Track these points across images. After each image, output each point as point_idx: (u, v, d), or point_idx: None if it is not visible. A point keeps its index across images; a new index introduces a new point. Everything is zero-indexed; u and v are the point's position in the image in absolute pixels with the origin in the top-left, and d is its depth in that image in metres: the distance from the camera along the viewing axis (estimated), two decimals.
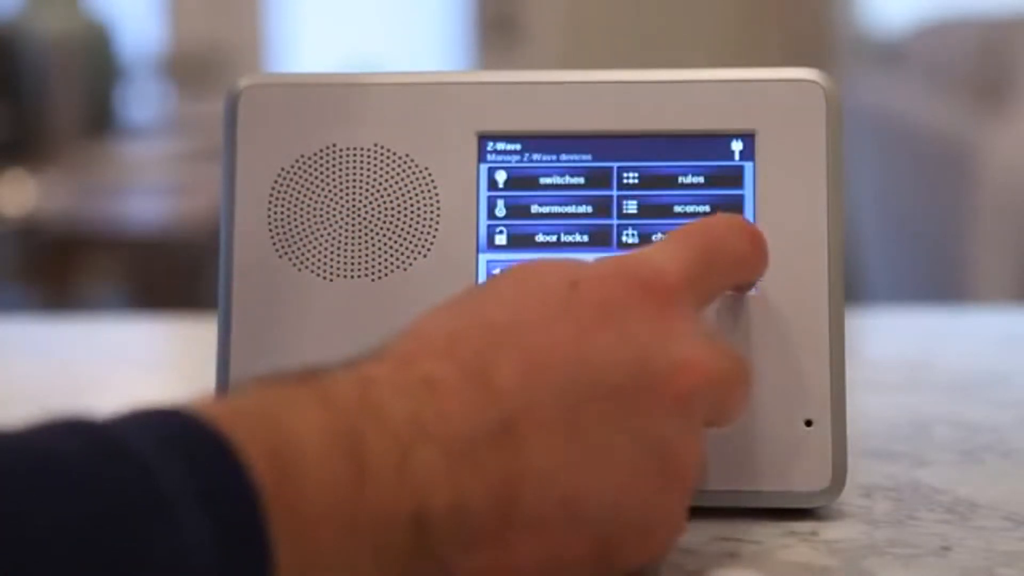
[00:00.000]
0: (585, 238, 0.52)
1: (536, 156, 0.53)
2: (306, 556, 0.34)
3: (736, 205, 0.52)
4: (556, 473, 0.38)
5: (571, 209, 0.52)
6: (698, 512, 0.50)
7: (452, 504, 0.36)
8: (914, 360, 0.84)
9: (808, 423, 0.50)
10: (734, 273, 0.47)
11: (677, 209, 0.52)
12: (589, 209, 0.52)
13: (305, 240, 0.52)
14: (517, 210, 0.52)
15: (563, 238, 0.52)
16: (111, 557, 0.30)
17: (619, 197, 0.52)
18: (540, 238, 0.52)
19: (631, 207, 0.52)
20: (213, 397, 0.36)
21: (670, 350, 0.40)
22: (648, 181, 0.52)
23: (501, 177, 0.52)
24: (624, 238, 0.52)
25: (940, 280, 2.43)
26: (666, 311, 0.41)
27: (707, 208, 0.52)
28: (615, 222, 0.52)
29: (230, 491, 0.33)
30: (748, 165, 0.52)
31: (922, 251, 2.56)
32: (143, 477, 0.32)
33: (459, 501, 0.37)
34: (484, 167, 0.52)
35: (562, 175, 0.52)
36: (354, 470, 0.35)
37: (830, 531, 0.49)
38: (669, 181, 0.52)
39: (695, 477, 0.41)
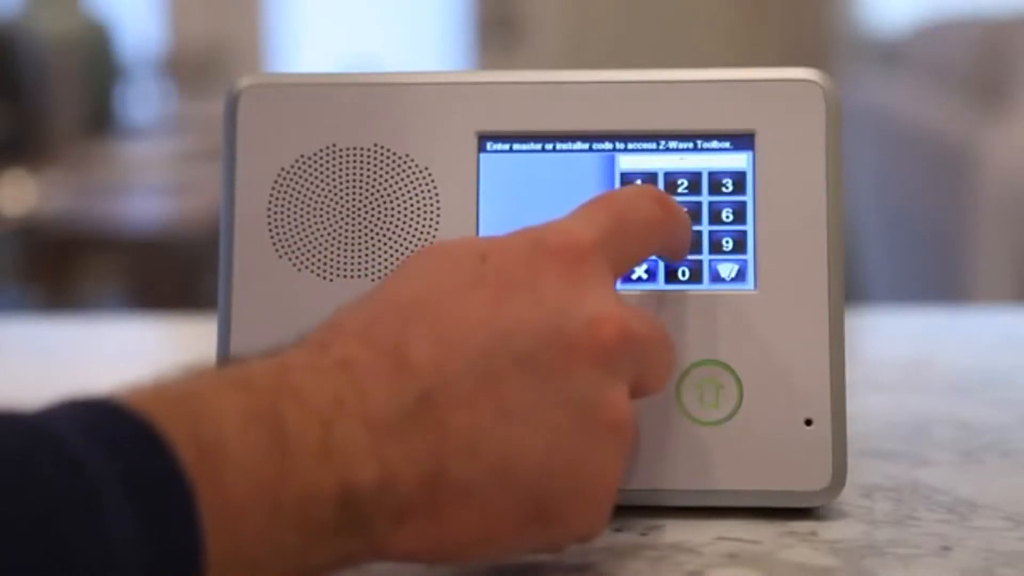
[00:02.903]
0: None
1: (536, 156, 0.53)
2: (233, 539, 0.34)
3: (736, 205, 0.52)
4: (480, 442, 0.38)
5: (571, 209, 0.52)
6: (698, 512, 0.50)
7: (379, 479, 0.37)
8: (914, 360, 0.84)
9: (808, 423, 0.50)
10: (648, 237, 0.47)
11: None
12: None
13: (305, 240, 0.52)
14: (517, 210, 0.52)
15: None
16: (37, 548, 0.30)
17: None
18: None
19: None
20: (138, 385, 0.36)
21: (584, 309, 0.41)
22: (648, 181, 0.52)
23: (501, 177, 0.52)
24: None
25: (940, 280, 2.43)
26: (577, 273, 0.41)
27: (707, 208, 0.52)
28: None
29: (157, 478, 0.33)
30: (748, 165, 0.52)
31: (922, 251, 2.56)
32: (69, 468, 0.32)
33: (386, 476, 0.37)
34: (484, 167, 0.52)
35: (562, 175, 0.52)
36: (277, 451, 0.35)
37: (830, 531, 0.49)
38: (669, 180, 0.52)
39: (626, 431, 0.41)
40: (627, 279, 0.51)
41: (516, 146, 0.53)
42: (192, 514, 0.33)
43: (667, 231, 0.47)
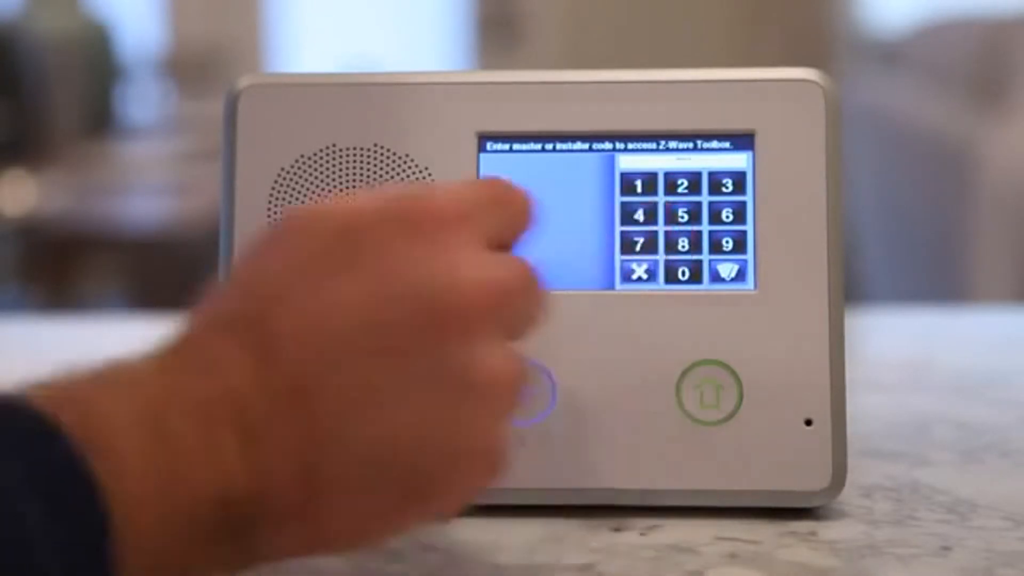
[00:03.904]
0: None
1: (536, 156, 0.53)
2: (123, 541, 0.34)
3: (736, 205, 0.52)
4: (353, 430, 0.38)
5: (571, 209, 0.52)
6: (698, 512, 0.50)
7: (251, 486, 0.36)
8: (914, 360, 0.84)
9: (808, 423, 0.50)
10: (520, 216, 0.45)
11: (677, 208, 0.52)
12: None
13: None
14: None
15: None
16: None
17: (619, 197, 0.52)
18: None
19: (631, 206, 0.52)
20: (38, 385, 0.36)
21: (447, 280, 0.40)
22: (648, 181, 0.52)
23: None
24: (624, 234, 0.52)
25: (940, 280, 2.42)
26: (438, 243, 0.40)
27: (707, 208, 0.52)
28: (615, 219, 0.52)
29: (61, 473, 0.33)
30: (748, 165, 0.52)
31: (922, 251, 2.56)
32: None
33: (258, 482, 0.36)
34: (484, 167, 0.52)
35: (562, 175, 0.52)
36: (164, 454, 0.35)
37: (830, 531, 0.49)
38: (669, 180, 0.52)
39: (508, 392, 0.40)
40: (627, 279, 0.51)
41: (516, 146, 0.53)
42: (103, 520, 0.33)
43: (524, 220, 0.45)
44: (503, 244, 0.44)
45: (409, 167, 0.52)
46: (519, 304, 0.42)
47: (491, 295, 0.40)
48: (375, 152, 0.53)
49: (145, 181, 3.18)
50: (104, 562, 0.33)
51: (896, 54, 3.01)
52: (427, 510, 0.40)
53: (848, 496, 0.52)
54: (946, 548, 0.48)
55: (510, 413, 0.41)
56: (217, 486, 0.36)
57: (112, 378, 0.36)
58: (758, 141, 0.52)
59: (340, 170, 0.52)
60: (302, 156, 0.53)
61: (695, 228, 0.52)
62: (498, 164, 0.52)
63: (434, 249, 0.40)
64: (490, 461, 0.41)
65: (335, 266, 0.39)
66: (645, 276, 0.52)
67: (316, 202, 0.43)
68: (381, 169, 0.52)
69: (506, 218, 0.44)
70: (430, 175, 0.52)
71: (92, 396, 0.35)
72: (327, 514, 0.38)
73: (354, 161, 0.53)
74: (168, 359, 0.38)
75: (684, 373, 0.51)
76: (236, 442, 0.36)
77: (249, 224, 0.52)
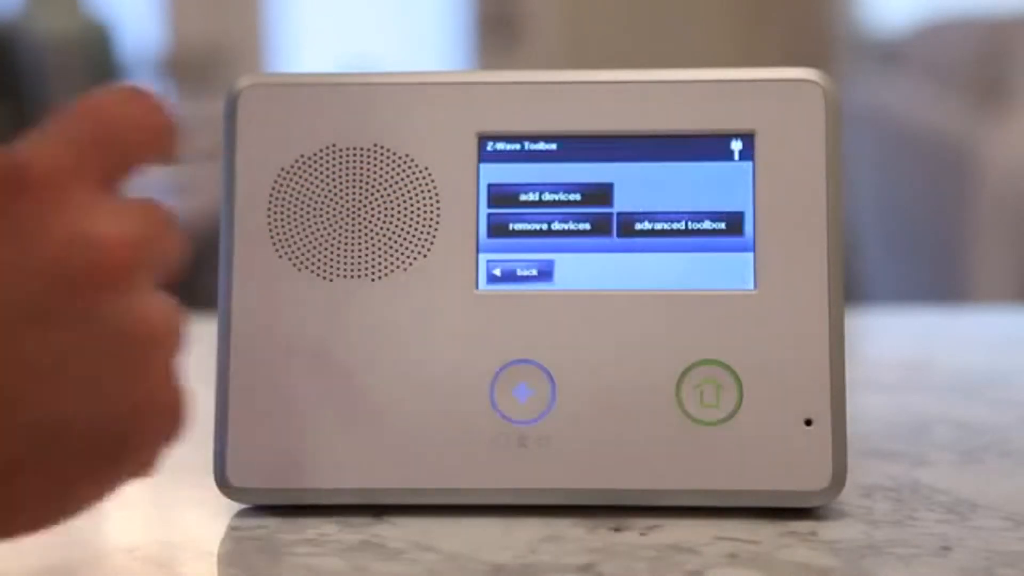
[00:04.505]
0: (587, 230, 0.52)
1: (536, 156, 0.53)
2: None
3: (736, 205, 0.52)
4: (14, 414, 0.36)
5: (572, 210, 0.52)
6: (698, 512, 0.50)
7: None
8: (914, 360, 0.84)
9: (808, 423, 0.50)
10: (135, 144, 0.42)
11: (676, 208, 0.52)
12: (589, 209, 0.52)
13: (305, 240, 0.52)
14: (517, 209, 0.52)
15: (564, 236, 0.52)
16: None
17: (619, 197, 0.52)
18: (541, 236, 0.52)
19: (631, 206, 0.52)
20: None
21: (77, 239, 0.37)
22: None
23: (501, 177, 0.52)
24: (624, 232, 0.52)
25: (940, 280, 2.43)
26: (63, 203, 0.38)
27: (706, 208, 0.52)
28: (615, 218, 0.52)
29: None
30: (748, 165, 0.52)
31: (922, 251, 2.56)
32: None
33: None
34: (484, 167, 0.52)
35: (562, 174, 0.52)
36: None
37: (830, 531, 0.49)
38: (669, 180, 0.52)
39: (169, 338, 0.39)
40: (628, 279, 0.51)
41: (516, 146, 0.53)
42: None
43: (153, 135, 0.43)
44: (125, 176, 0.42)
45: (409, 167, 0.52)
46: (157, 249, 0.40)
47: (125, 246, 0.38)
48: (375, 152, 0.53)
49: (145, 181, 3.17)
50: None
51: (896, 54, 3.01)
52: (121, 472, 0.39)
53: (848, 496, 0.52)
54: (946, 548, 0.48)
55: (176, 358, 0.40)
56: None
57: None
58: (758, 141, 0.52)
59: (340, 170, 0.52)
60: (302, 156, 0.53)
61: (695, 227, 0.52)
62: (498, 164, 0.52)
63: (51, 210, 0.37)
64: (172, 409, 0.40)
65: None
66: (645, 276, 0.52)
67: None
68: (381, 169, 0.52)
69: (116, 153, 0.41)
70: (430, 175, 0.52)
71: None
72: (12, 501, 0.37)
73: (354, 161, 0.53)
74: None
75: (684, 373, 0.51)
76: None
77: (249, 224, 0.52)
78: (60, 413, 0.37)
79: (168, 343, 0.39)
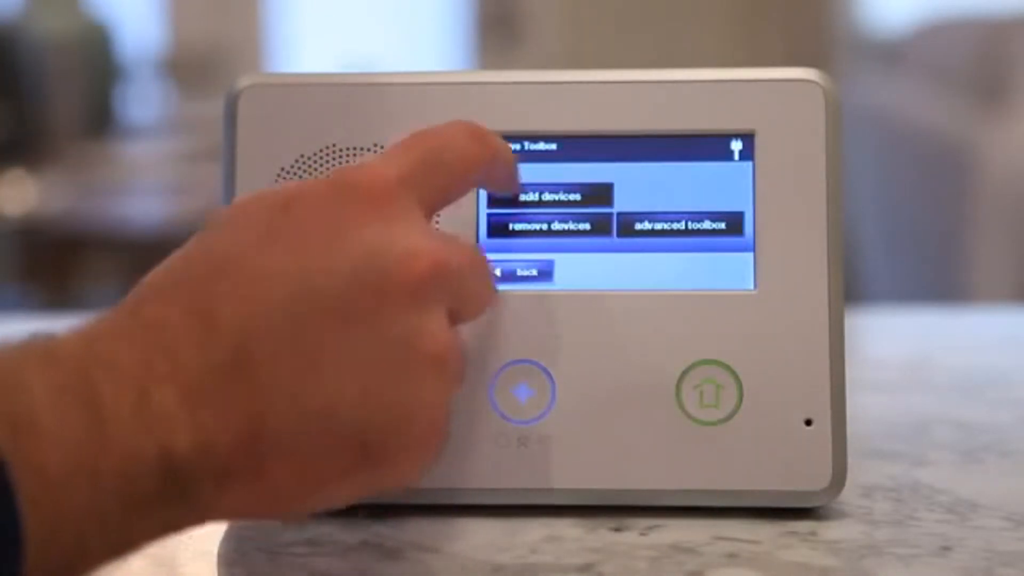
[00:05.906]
0: (587, 230, 0.52)
1: (536, 156, 0.53)
2: (55, 514, 0.34)
3: (736, 205, 0.52)
4: (296, 394, 0.38)
5: (572, 210, 0.52)
6: (698, 512, 0.50)
7: (196, 443, 0.36)
8: (914, 360, 0.84)
9: (808, 422, 0.50)
10: (464, 172, 0.46)
11: (676, 208, 0.52)
12: (589, 209, 0.52)
13: None
14: (517, 209, 0.52)
15: (564, 236, 0.52)
16: None
17: (619, 197, 0.52)
18: (541, 236, 0.52)
19: (631, 206, 0.52)
20: None
21: (393, 246, 0.40)
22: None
23: None
24: (624, 232, 0.52)
25: (940, 280, 2.42)
26: (384, 211, 0.41)
27: (706, 208, 0.52)
28: (615, 218, 0.52)
29: None
30: (748, 165, 0.52)
31: (922, 251, 2.56)
32: None
33: (203, 439, 0.36)
34: None
35: (562, 174, 0.52)
36: (92, 422, 0.35)
37: (830, 531, 0.49)
38: (669, 180, 0.52)
39: (448, 361, 0.41)
40: (628, 279, 0.52)
41: (516, 146, 0.53)
42: (7, 492, 0.33)
43: (484, 166, 0.47)
44: (446, 202, 0.45)
45: None
46: (461, 280, 0.42)
47: (431, 266, 0.40)
48: (375, 152, 0.53)
49: (145, 181, 3.18)
50: (9, 534, 0.33)
51: (896, 54, 3.01)
52: (371, 479, 0.40)
53: (848, 496, 0.52)
54: (946, 548, 0.48)
55: (452, 388, 0.41)
56: (157, 446, 0.35)
57: (37, 350, 0.36)
58: (758, 141, 0.52)
59: None
60: (302, 156, 0.53)
61: (695, 227, 0.52)
62: None
63: (372, 215, 0.40)
64: (437, 429, 0.41)
65: (274, 238, 0.40)
66: (644, 276, 0.52)
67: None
68: None
69: (440, 175, 0.44)
70: None
71: (10, 372, 0.35)
72: (273, 475, 0.38)
73: (354, 161, 0.52)
74: (98, 328, 0.37)
75: (684, 373, 0.51)
76: (176, 400, 0.36)
77: None
78: (333, 404, 0.38)
79: (449, 368, 0.41)
